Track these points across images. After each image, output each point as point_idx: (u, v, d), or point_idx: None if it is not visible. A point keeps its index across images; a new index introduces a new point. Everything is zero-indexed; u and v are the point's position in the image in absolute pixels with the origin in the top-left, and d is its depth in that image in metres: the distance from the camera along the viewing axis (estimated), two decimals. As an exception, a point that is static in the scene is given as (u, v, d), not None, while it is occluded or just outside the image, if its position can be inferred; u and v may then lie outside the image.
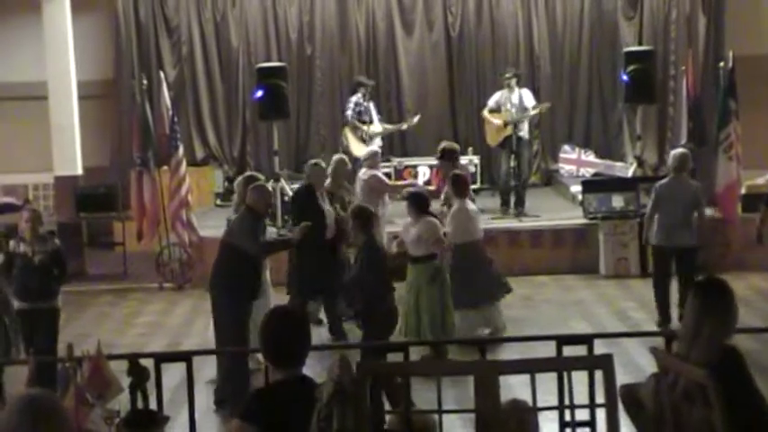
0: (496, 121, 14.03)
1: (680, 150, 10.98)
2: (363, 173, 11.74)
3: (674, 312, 10.26)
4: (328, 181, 11.27)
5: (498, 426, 4.41)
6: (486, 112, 14.32)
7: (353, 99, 14.44)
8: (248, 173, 10.73)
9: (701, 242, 10.60)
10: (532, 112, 14.09)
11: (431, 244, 9.39)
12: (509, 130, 13.94)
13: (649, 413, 4.42)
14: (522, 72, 15.45)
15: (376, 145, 14.02)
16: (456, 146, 12.05)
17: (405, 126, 14.81)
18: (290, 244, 9.40)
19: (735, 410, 4.07)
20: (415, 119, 14.66)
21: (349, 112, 14.33)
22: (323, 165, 10.90)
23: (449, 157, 11.43)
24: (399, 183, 12.16)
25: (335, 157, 11.80)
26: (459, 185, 10.31)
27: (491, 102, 14.32)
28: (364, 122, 14.22)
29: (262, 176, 10.02)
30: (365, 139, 14.20)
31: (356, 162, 13.75)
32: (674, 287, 10.41)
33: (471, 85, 17.08)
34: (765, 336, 7.91)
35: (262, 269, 8.93)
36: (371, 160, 11.88)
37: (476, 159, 15.43)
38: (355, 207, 9.08)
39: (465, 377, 4.88)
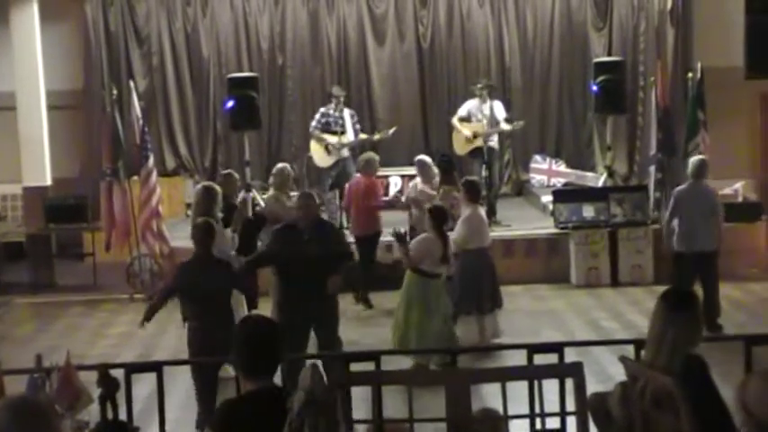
0: (466, 131, 14.08)
1: (698, 157, 11.19)
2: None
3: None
4: (271, 191, 11.39)
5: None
6: (455, 120, 14.35)
7: (322, 109, 14.52)
8: (206, 183, 10.74)
9: (719, 247, 10.75)
10: (505, 128, 14.15)
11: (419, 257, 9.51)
12: (478, 142, 13.99)
13: (617, 422, 4.44)
14: (495, 83, 15.49)
15: (343, 155, 14.12)
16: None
17: (376, 137, 14.80)
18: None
19: (698, 420, 4.09)
20: (391, 131, 14.65)
21: (313, 123, 14.42)
22: (234, 174, 11.18)
23: (446, 169, 11.84)
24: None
25: (278, 165, 11.92)
26: (473, 192, 10.37)
27: (462, 110, 14.36)
28: (335, 133, 14.22)
29: (218, 187, 10.03)
30: (330, 150, 14.22)
31: (322, 172, 13.93)
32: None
33: (443, 95, 17.14)
34: (734, 345, 7.96)
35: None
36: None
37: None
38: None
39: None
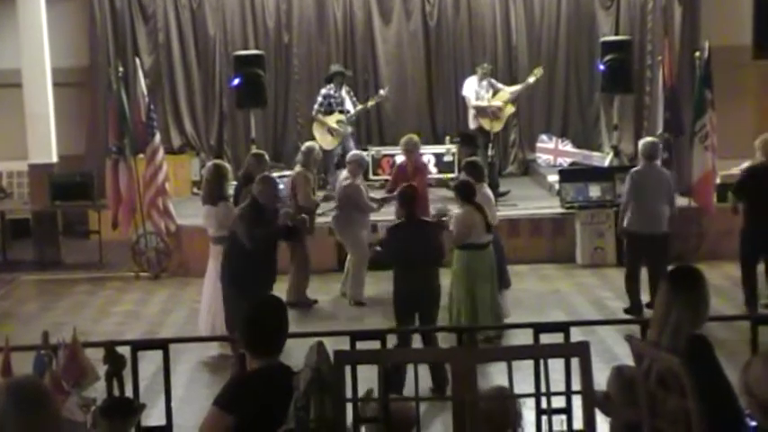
0: (497, 102, 14.27)
1: (649, 139, 11.19)
2: (344, 178, 11.65)
3: (644, 299, 10.46)
4: (298, 168, 11.33)
5: (476, 413, 4.43)
6: (474, 101, 14.35)
7: (323, 91, 14.49)
8: (215, 161, 10.73)
9: (673, 230, 10.74)
10: (531, 80, 14.47)
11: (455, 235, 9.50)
12: (511, 109, 14.44)
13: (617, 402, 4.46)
14: (498, 65, 15.58)
15: (346, 132, 14.11)
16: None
17: (370, 103, 14.82)
18: (279, 236, 9.36)
19: (703, 399, 4.09)
20: (383, 92, 14.69)
21: (315, 107, 14.41)
22: (264, 154, 11.01)
23: (467, 143, 11.83)
24: (378, 199, 11.97)
25: (307, 144, 11.88)
26: (475, 172, 10.31)
27: (470, 92, 14.41)
28: (341, 112, 14.23)
29: (228, 164, 10.06)
30: (332, 132, 14.21)
31: (327, 154, 13.81)
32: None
33: (449, 74, 17.08)
34: (738, 324, 7.96)
35: (269, 261, 8.99)
36: (354, 166, 11.59)
37: (453, 149, 15.42)
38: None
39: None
